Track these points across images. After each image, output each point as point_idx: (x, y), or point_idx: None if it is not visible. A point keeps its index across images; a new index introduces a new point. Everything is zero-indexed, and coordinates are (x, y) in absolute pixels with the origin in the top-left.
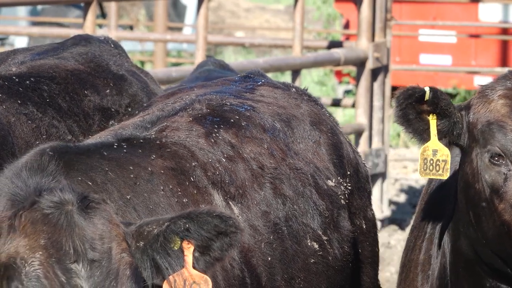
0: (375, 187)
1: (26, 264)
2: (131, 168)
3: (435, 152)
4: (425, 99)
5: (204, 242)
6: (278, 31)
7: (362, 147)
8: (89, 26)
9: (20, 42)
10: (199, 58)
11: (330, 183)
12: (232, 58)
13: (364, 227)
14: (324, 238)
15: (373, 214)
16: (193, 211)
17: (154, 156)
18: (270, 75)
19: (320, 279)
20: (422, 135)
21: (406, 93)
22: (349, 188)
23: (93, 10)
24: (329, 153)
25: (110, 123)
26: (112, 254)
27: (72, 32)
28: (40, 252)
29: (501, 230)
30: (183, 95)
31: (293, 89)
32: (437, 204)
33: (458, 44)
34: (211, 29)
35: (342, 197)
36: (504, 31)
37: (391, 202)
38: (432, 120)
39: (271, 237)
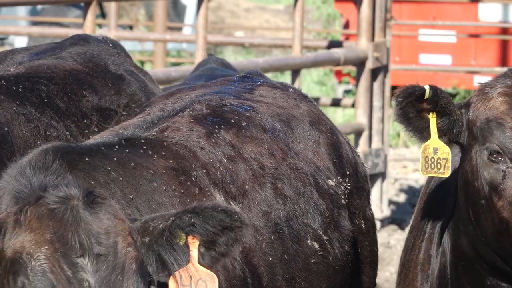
0: (375, 187)
1: (32, 259)
2: (134, 168)
3: (435, 150)
4: (425, 98)
5: (210, 237)
6: (277, 31)
7: (362, 147)
8: (89, 26)
9: (20, 42)
10: (199, 58)
11: (331, 182)
12: (232, 58)
13: (364, 227)
14: (325, 238)
15: (372, 214)
16: (198, 205)
17: (155, 156)
18: (270, 75)
19: (321, 279)
20: (422, 134)
21: (406, 92)
22: (349, 188)
23: (93, 10)
24: (328, 153)
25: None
26: (118, 249)
27: (72, 32)
28: (46, 247)
29: (499, 227)
30: (182, 96)
31: (291, 89)
32: (436, 204)
33: (458, 44)
34: (211, 29)
35: (342, 197)
36: (504, 31)
37: (390, 202)
38: (432, 118)
39: (272, 237)
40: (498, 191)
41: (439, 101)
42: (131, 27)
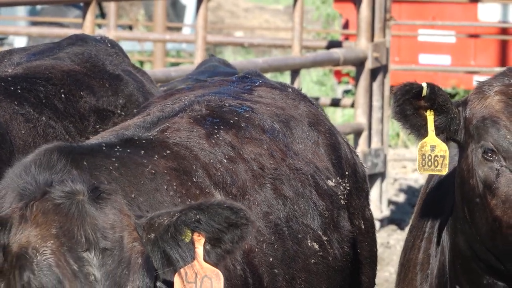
0: (374, 187)
1: (37, 254)
2: (135, 167)
3: (433, 148)
4: (423, 95)
5: (215, 234)
6: (277, 31)
7: (361, 147)
8: (88, 26)
9: (20, 42)
10: (199, 58)
11: (330, 183)
12: (231, 58)
13: (363, 227)
14: (324, 238)
15: (371, 214)
16: (204, 202)
17: (156, 156)
18: (269, 75)
19: (321, 280)
20: (419, 131)
21: (404, 89)
22: (348, 188)
23: (92, 10)
24: (327, 154)
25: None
26: (123, 243)
27: (71, 32)
28: (52, 241)
29: (493, 226)
30: (181, 96)
31: (290, 89)
32: (436, 203)
33: (457, 44)
34: (210, 29)
35: (342, 197)
36: (503, 31)
37: (390, 202)
38: (430, 116)
39: (272, 238)
40: (492, 189)
41: (437, 99)
42: (130, 27)
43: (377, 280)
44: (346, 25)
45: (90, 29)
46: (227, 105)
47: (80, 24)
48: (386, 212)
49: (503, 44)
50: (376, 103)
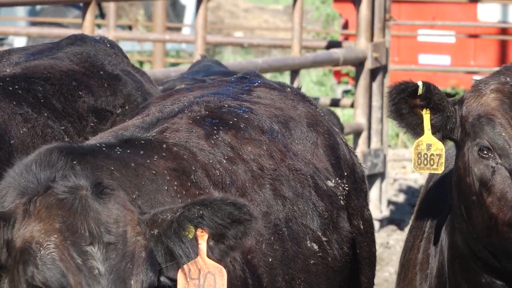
0: (374, 187)
1: (41, 248)
2: (135, 168)
3: (429, 146)
4: (418, 94)
5: (219, 230)
6: (277, 31)
7: (361, 147)
8: (88, 26)
9: (19, 42)
10: (198, 58)
11: (329, 183)
12: (231, 58)
13: (362, 227)
14: (324, 239)
15: (370, 215)
16: (207, 197)
17: (156, 157)
18: (269, 75)
19: (320, 280)
20: (415, 130)
21: (399, 88)
22: (347, 189)
23: (92, 10)
24: (326, 154)
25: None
26: (127, 237)
27: (71, 32)
28: (55, 236)
29: (489, 224)
30: (180, 97)
31: (289, 89)
32: (435, 203)
33: (457, 44)
34: (210, 29)
35: (341, 198)
36: (503, 31)
37: (390, 202)
38: (426, 115)
39: (272, 238)
40: (488, 187)
41: (432, 97)
42: (130, 28)
43: (376, 280)
44: (345, 25)
45: (89, 29)
46: (226, 106)
47: (79, 25)
48: (385, 212)
49: (503, 44)
50: (375, 103)
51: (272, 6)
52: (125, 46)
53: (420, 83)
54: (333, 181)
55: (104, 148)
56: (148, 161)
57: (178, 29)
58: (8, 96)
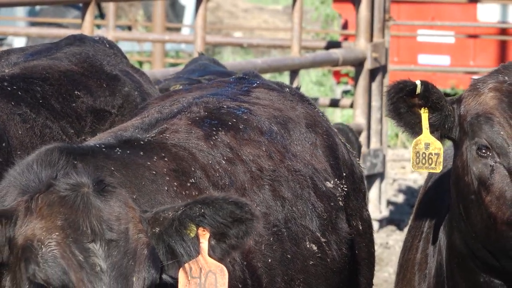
0: (373, 187)
1: (42, 246)
2: (136, 168)
3: (427, 145)
4: (417, 93)
5: (220, 229)
6: (276, 32)
7: None
8: (88, 26)
9: (19, 43)
10: None
11: (328, 184)
12: (231, 59)
13: (361, 228)
14: (323, 240)
15: (369, 215)
16: (208, 196)
17: (156, 157)
18: (268, 75)
19: (319, 281)
20: (413, 129)
21: (397, 87)
22: (345, 189)
23: (91, 11)
24: (325, 155)
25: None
26: (129, 235)
27: (70, 32)
28: (57, 233)
29: (488, 222)
30: (179, 98)
31: (287, 90)
32: (433, 203)
33: (456, 44)
34: (210, 29)
35: (340, 199)
36: (503, 31)
37: (389, 203)
38: (424, 114)
39: (271, 239)
40: (486, 186)
41: (431, 97)
42: (129, 28)
43: (376, 281)
44: (345, 26)
45: (89, 30)
46: (225, 106)
47: (79, 25)
48: (385, 212)
49: (502, 45)
50: (375, 103)
51: (272, 6)
52: (124, 46)
53: (418, 82)
54: (332, 182)
55: (104, 149)
56: (148, 161)
57: (178, 30)
58: (6, 97)
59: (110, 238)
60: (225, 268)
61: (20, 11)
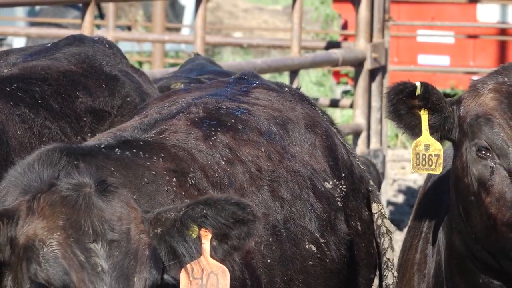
0: None
1: (44, 246)
2: (135, 168)
3: (427, 147)
4: (416, 94)
5: (222, 229)
6: (276, 32)
7: (360, 148)
8: (87, 26)
9: (18, 43)
10: None
11: (327, 185)
12: (230, 59)
13: (360, 228)
14: (322, 240)
15: (368, 215)
16: (211, 197)
17: (155, 158)
18: (268, 75)
19: (318, 282)
20: (413, 130)
21: (397, 89)
22: (344, 190)
23: (91, 11)
24: (324, 156)
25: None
26: (131, 235)
27: (70, 33)
28: (58, 233)
29: (487, 223)
30: (178, 98)
31: (287, 89)
32: (433, 203)
33: (456, 44)
34: (209, 29)
35: (339, 200)
36: (502, 32)
37: (389, 203)
38: (424, 115)
39: (270, 239)
40: (486, 187)
41: (430, 98)
42: (129, 28)
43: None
44: (345, 26)
45: (89, 30)
46: (224, 107)
47: (79, 25)
48: None
49: (502, 45)
50: (375, 103)
51: (271, 7)
52: (124, 46)
53: (418, 84)
54: (330, 182)
55: (103, 149)
56: (148, 162)
57: (177, 30)
58: (5, 97)
59: (112, 238)
60: (226, 269)
61: (20, 11)
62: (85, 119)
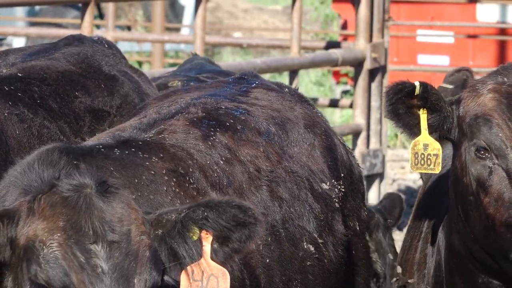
0: (373, 187)
1: (44, 246)
2: (135, 168)
3: (426, 146)
4: (415, 94)
5: (223, 232)
6: (276, 32)
7: (360, 148)
8: (87, 26)
9: (18, 43)
10: None
11: (325, 186)
12: (230, 59)
13: (358, 228)
14: (320, 241)
15: (367, 215)
16: (212, 199)
17: (154, 158)
18: (268, 75)
19: (316, 282)
20: (412, 130)
21: (396, 88)
22: (343, 190)
23: (91, 11)
24: (323, 156)
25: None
26: (131, 236)
27: (70, 32)
28: (59, 234)
29: (486, 224)
30: (177, 98)
31: (286, 90)
32: (432, 203)
33: (455, 44)
34: (209, 29)
35: (336, 200)
36: (502, 32)
37: None
38: (423, 115)
39: (269, 239)
40: (485, 187)
41: (429, 98)
42: (129, 28)
43: None
44: (344, 26)
45: (88, 30)
46: (223, 107)
47: (78, 25)
48: None
49: (502, 45)
50: (374, 103)
51: (271, 7)
52: (123, 46)
53: (417, 83)
54: (328, 183)
55: (102, 149)
56: (147, 162)
57: (177, 30)
58: (4, 97)
59: (112, 239)
60: (227, 272)
61: (20, 11)
62: (84, 119)
